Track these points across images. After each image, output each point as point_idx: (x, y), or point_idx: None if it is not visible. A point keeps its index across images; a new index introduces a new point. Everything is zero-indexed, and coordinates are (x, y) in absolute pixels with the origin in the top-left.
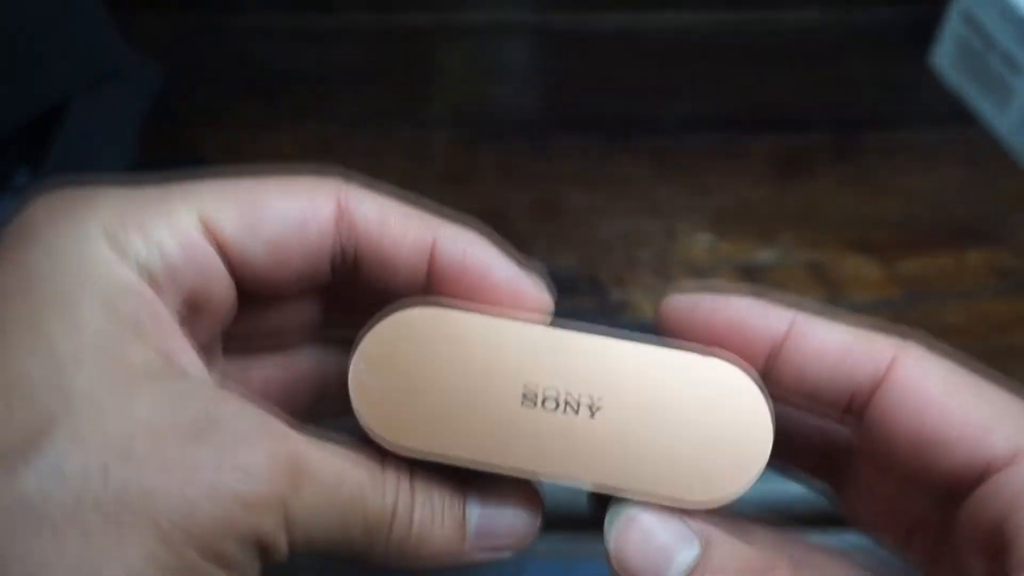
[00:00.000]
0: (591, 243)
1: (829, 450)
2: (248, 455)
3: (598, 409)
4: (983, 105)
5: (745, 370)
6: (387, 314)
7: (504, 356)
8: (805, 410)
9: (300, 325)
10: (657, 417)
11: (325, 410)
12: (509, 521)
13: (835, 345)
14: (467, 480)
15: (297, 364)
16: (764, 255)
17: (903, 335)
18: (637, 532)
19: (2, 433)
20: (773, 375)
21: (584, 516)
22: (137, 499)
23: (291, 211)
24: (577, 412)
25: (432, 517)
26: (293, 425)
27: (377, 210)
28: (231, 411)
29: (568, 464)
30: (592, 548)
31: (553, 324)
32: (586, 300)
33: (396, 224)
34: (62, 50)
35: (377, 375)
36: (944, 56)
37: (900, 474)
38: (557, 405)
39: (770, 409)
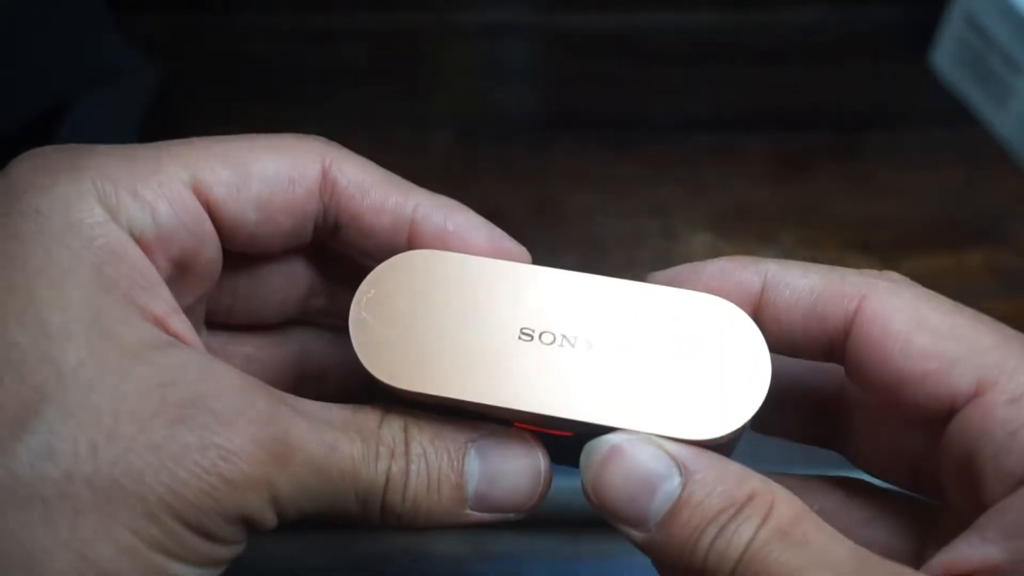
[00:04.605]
0: (591, 243)
1: (825, 407)
2: (231, 436)
3: (595, 343)
4: (983, 105)
5: (739, 308)
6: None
7: (503, 293)
8: (799, 357)
9: (280, 302)
10: (654, 351)
11: (306, 393)
12: (510, 484)
13: (806, 291)
14: (468, 440)
15: (277, 344)
16: (764, 255)
17: (879, 273)
18: (619, 463)
19: None
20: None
21: (584, 516)
22: (125, 477)
23: (278, 169)
24: (574, 346)
25: (428, 483)
26: (283, 398)
27: (359, 173)
28: (219, 388)
29: (565, 399)
30: (592, 548)
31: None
32: None
33: (377, 188)
34: (62, 50)
35: (376, 315)
36: (944, 56)
37: (884, 412)
38: (554, 339)
39: (766, 344)
